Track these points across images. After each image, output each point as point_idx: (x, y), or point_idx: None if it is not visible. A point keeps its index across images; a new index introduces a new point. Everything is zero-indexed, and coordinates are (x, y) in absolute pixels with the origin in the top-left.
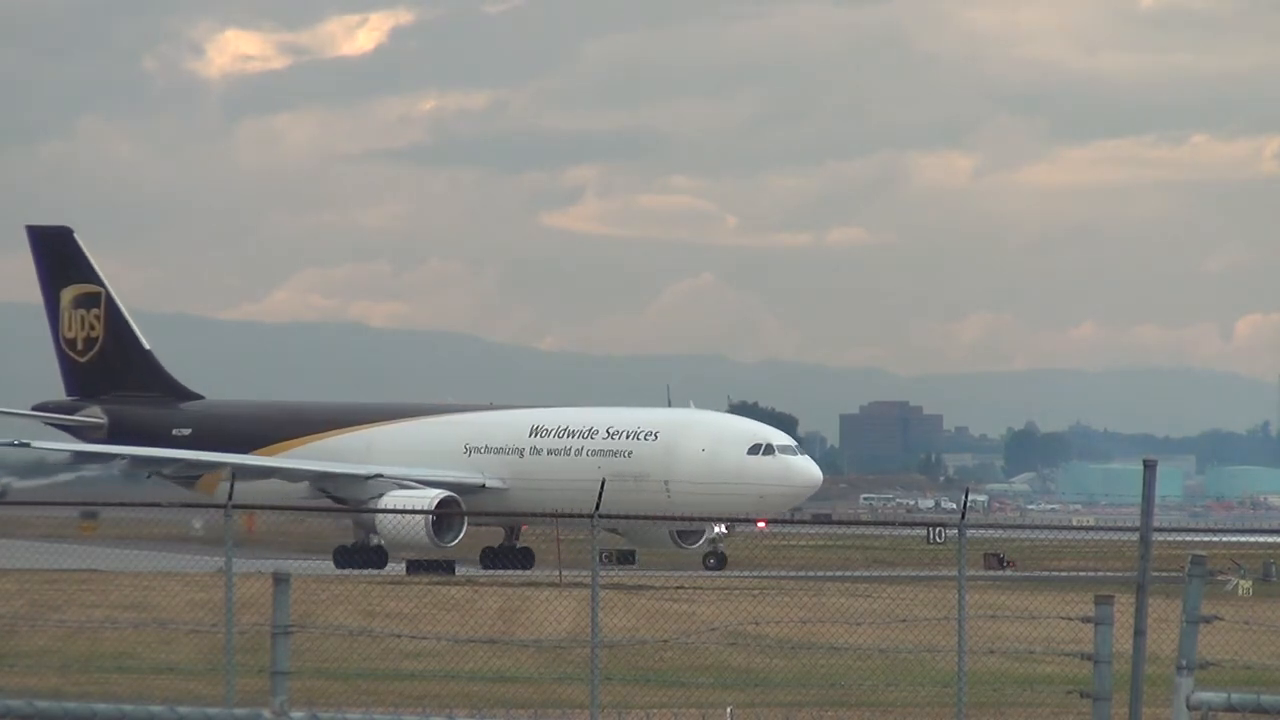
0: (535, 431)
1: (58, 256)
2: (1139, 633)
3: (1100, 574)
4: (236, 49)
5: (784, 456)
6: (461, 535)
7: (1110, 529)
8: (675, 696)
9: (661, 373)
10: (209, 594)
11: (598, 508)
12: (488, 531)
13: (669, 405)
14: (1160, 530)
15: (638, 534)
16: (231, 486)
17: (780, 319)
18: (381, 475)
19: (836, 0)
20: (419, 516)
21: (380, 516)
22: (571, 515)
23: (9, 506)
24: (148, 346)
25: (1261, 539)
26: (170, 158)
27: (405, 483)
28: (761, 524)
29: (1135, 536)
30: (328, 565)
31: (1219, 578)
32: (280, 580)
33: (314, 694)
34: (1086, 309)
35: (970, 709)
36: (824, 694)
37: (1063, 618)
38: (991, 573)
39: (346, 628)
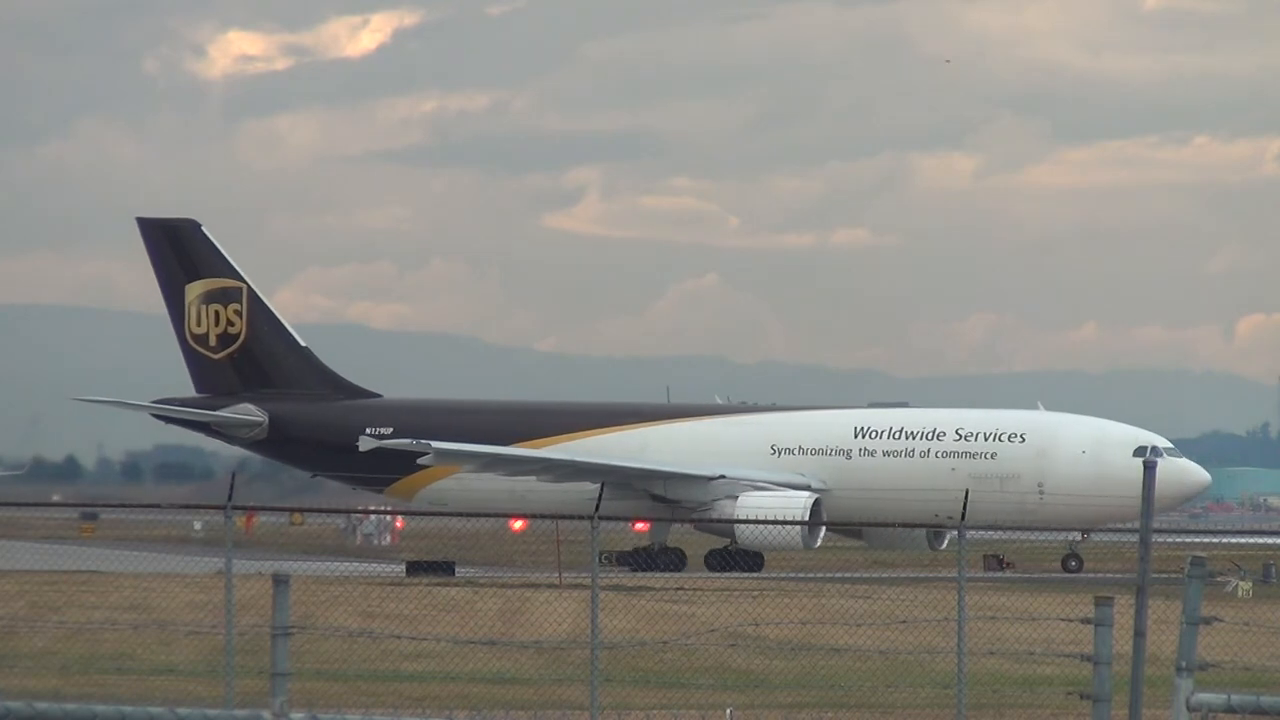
0: (862, 432)
1: (181, 250)
2: (1139, 634)
3: (1100, 575)
4: (238, 50)
5: (1171, 459)
6: (822, 536)
7: (1110, 530)
8: (675, 698)
9: (662, 373)
10: (209, 595)
11: (597, 508)
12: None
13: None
14: (1160, 531)
15: (880, 537)
16: (232, 486)
17: (781, 320)
18: (725, 477)
19: (838, 0)
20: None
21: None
22: (574, 516)
23: (9, 508)
24: (304, 344)
25: (1261, 540)
26: (171, 159)
27: (758, 485)
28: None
29: (1135, 538)
30: (333, 567)
31: (1219, 579)
32: (280, 581)
33: (314, 695)
34: (1087, 310)
35: (970, 710)
36: (824, 695)
37: (1063, 619)
38: (991, 574)
39: (346, 629)
